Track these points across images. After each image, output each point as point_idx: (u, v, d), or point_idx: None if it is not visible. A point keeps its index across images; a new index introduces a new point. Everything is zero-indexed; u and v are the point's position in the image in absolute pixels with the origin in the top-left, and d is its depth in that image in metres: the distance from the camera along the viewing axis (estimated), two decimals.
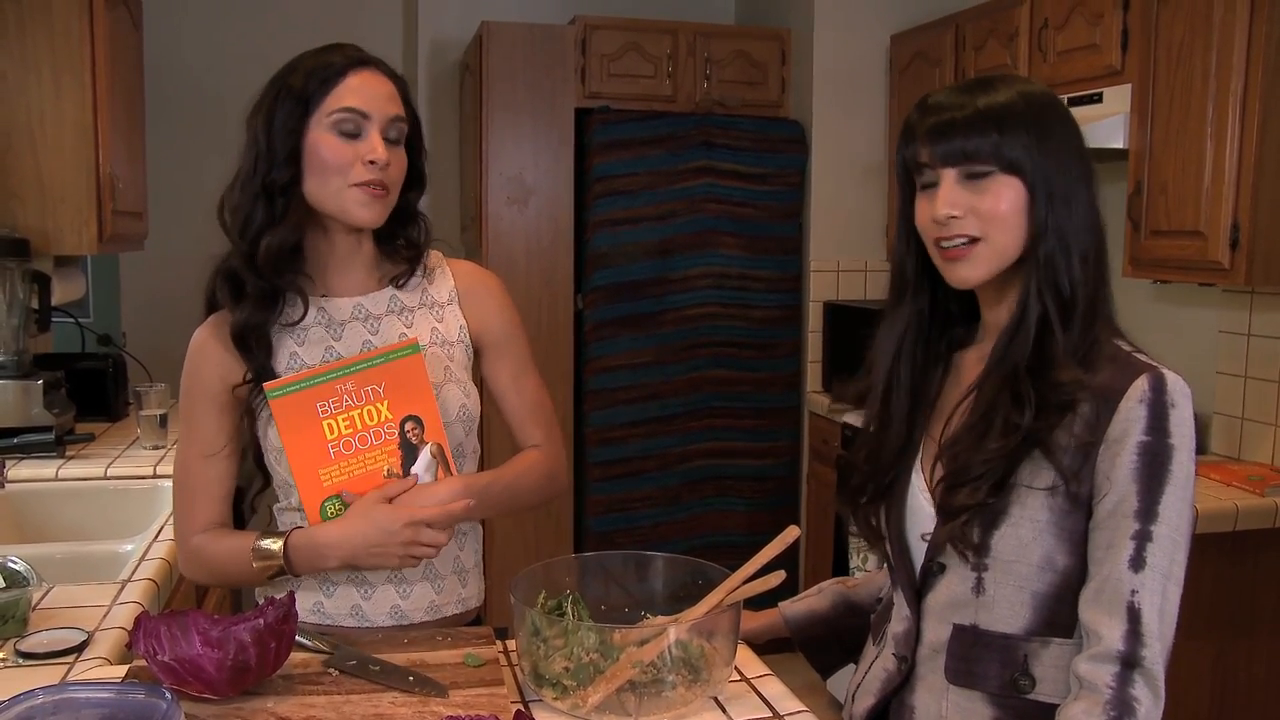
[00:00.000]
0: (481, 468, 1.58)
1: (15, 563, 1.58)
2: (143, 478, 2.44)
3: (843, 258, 3.98)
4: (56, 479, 2.41)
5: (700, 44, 3.88)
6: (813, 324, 3.98)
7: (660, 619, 1.38)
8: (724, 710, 1.27)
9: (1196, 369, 2.85)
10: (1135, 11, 2.63)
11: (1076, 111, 2.75)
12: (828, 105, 3.88)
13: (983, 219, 1.19)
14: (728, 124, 3.83)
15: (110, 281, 4.28)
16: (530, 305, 3.82)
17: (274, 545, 1.39)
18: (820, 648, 1.53)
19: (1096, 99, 2.72)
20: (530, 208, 3.81)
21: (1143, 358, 1.19)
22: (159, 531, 2.02)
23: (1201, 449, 2.83)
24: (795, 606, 1.54)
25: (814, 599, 1.54)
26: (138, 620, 1.19)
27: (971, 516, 1.19)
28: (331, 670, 1.30)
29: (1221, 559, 2.39)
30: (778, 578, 1.29)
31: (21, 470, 2.42)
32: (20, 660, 1.40)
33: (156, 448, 2.60)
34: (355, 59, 1.42)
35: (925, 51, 3.53)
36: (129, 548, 1.98)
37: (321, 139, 1.39)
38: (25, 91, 2.66)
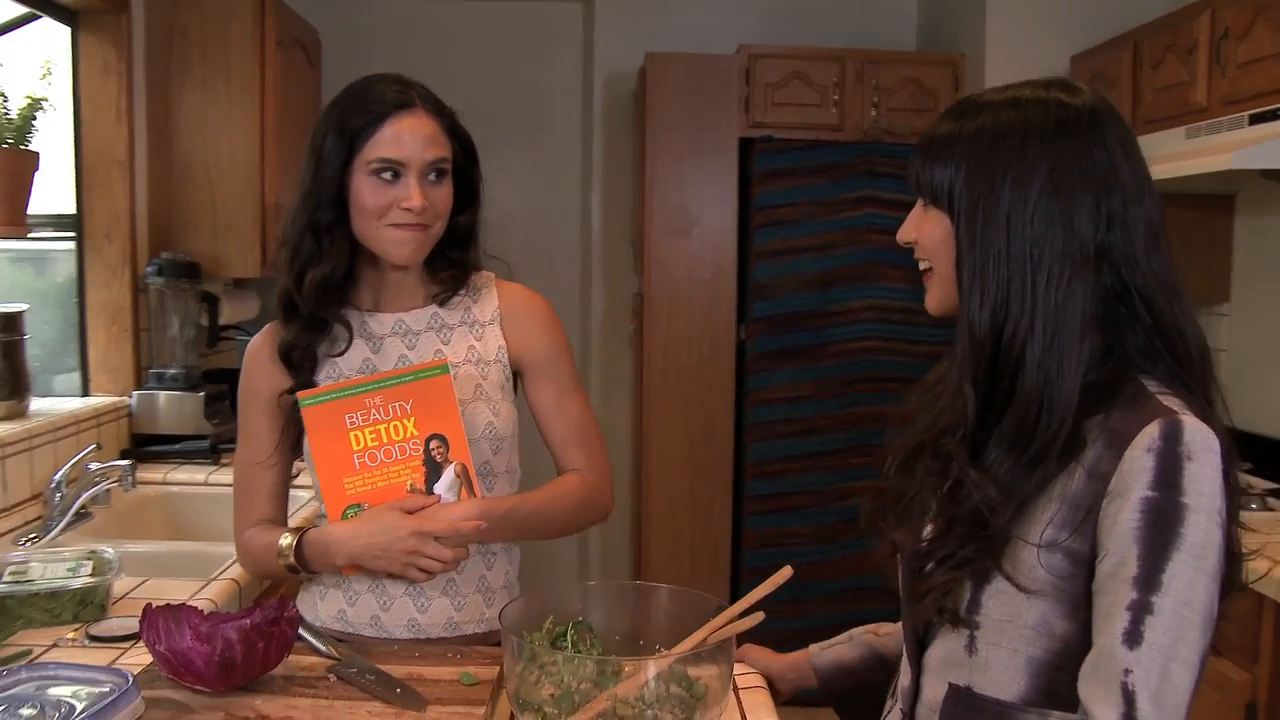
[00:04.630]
0: (521, 489, 1.59)
1: (107, 552, 1.73)
2: None
3: None
4: (206, 484, 2.62)
5: (869, 71, 3.78)
6: None
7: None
8: None
9: None
10: None
11: (1259, 129, 2.49)
12: None
13: (924, 248, 1.16)
14: (893, 153, 3.70)
15: None
16: (692, 335, 3.82)
17: (287, 541, 1.47)
18: (847, 701, 1.43)
19: None
20: (693, 237, 3.82)
21: (1166, 400, 1.03)
22: None
23: None
24: (824, 655, 1.45)
25: (843, 648, 1.45)
26: (145, 611, 1.27)
27: (952, 583, 1.09)
28: (331, 676, 1.34)
29: None
30: (754, 619, 1.22)
31: (179, 474, 2.64)
32: (87, 642, 1.53)
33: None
34: (396, 101, 1.44)
35: (1103, 72, 3.28)
36: None
37: (362, 183, 1.44)
38: (204, 130, 2.95)
